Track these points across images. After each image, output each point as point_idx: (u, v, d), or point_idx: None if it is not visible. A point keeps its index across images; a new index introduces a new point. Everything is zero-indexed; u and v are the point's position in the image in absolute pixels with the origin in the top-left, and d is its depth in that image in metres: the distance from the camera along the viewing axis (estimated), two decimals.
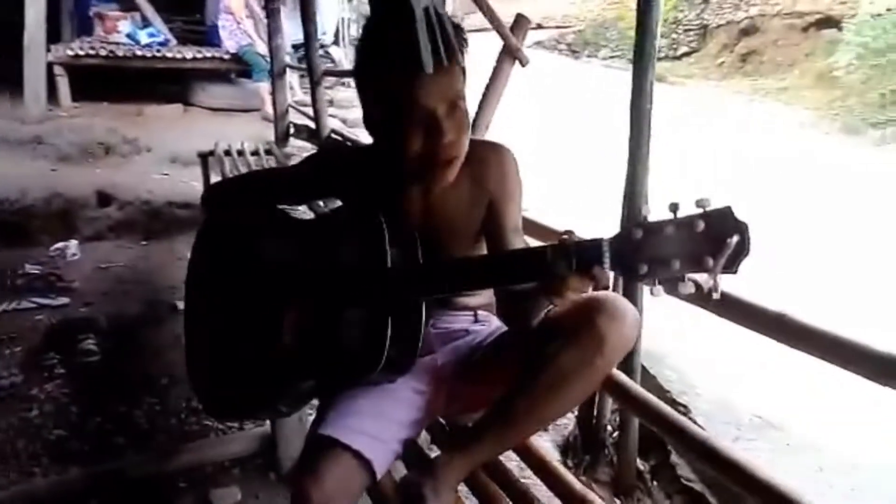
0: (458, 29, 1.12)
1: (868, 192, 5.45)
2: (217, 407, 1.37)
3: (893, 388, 1.02)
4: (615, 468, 2.26)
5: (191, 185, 4.93)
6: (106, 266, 3.95)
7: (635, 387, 1.28)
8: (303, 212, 1.40)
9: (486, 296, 1.41)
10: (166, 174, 5.23)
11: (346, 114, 7.20)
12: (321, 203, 1.73)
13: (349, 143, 3.40)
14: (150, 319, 3.21)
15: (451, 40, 1.07)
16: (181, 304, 3.39)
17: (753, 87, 9.69)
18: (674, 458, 2.28)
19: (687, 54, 11.96)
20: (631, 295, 2.03)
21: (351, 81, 9.43)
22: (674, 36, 12.04)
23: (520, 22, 2.10)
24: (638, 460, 2.24)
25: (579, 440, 2.33)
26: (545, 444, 2.35)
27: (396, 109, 1.11)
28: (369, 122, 1.21)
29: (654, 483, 2.31)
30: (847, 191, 5.48)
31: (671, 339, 2.77)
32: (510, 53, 2.05)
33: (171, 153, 5.52)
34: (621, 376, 1.26)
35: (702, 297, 0.92)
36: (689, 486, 2.20)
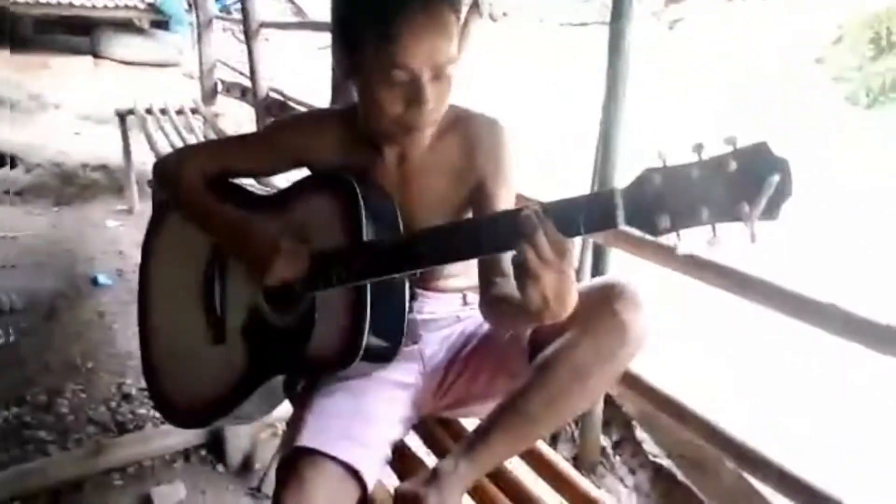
0: None
1: None
2: (175, 413, 1.22)
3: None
4: (578, 444, 2.22)
5: (106, 145, 4.60)
6: (13, 236, 3.65)
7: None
8: (265, 187, 1.24)
9: (475, 277, 1.27)
10: (78, 133, 4.91)
11: None
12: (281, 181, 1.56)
13: (292, 103, 3.16)
14: (68, 295, 2.97)
15: None
16: (102, 277, 3.15)
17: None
18: (639, 433, 2.25)
19: None
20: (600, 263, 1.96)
21: (271, 34, 9.02)
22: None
23: None
24: (601, 436, 2.19)
25: None
26: None
27: (378, 66, 0.98)
28: (348, 74, 1.07)
29: (617, 458, 2.28)
30: None
31: None
32: (478, 8, 1.90)
33: (83, 110, 5.17)
34: None
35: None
36: (655, 462, 2.17)
